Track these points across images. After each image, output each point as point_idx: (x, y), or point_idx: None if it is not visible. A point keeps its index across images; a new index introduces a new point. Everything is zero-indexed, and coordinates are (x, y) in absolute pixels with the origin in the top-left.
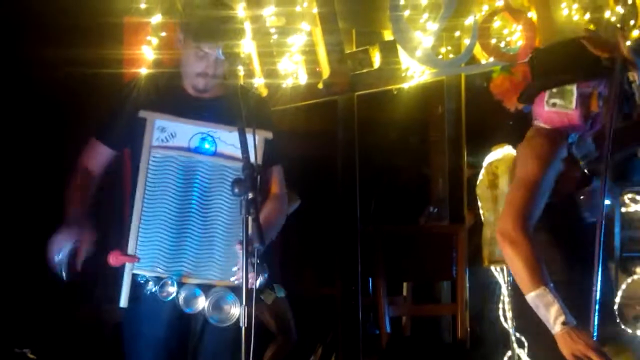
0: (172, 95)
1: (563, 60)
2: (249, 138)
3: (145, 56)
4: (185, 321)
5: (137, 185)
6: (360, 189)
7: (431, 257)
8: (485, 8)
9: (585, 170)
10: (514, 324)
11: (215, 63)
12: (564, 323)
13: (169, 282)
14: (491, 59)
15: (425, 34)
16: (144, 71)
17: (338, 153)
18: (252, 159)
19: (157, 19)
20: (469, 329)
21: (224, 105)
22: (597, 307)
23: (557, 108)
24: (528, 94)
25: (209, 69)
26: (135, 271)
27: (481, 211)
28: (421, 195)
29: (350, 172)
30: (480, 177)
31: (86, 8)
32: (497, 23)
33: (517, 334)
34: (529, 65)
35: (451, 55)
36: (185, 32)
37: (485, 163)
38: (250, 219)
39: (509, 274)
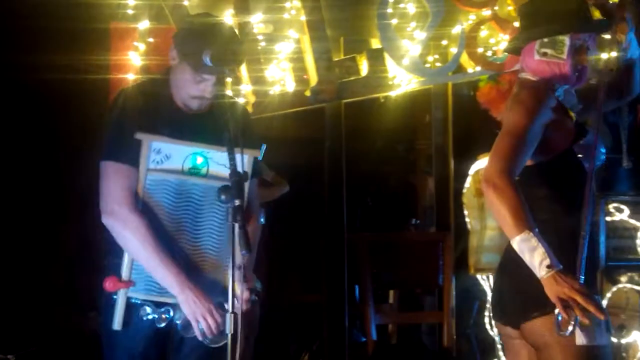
0: (163, 111)
1: (556, 11)
2: (244, 158)
3: (132, 62)
4: (164, 335)
5: None
6: (347, 197)
7: (418, 265)
8: (473, 17)
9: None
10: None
11: (213, 86)
12: (548, 266)
13: (166, 310)
14: (478, 68)
15: (412, 42)
16: (130, 77)
17: (325, 160)
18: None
19: (144, 24)
20: (455, 337)
21: (214, 121)
22: (584, 255)
23: (548, 57)
24: (516, 43)
25: (207, 93)
26: (129, 294)
27: (467, 219)
28: (408, 202)
29: (337, 179)
30: (467, 185)
31: (72, 13)
32: (484, 32)
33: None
34: (518, 14)
35: (438, 64)
36: (182, 55)
37: (471, 171)
38: (237, 226)
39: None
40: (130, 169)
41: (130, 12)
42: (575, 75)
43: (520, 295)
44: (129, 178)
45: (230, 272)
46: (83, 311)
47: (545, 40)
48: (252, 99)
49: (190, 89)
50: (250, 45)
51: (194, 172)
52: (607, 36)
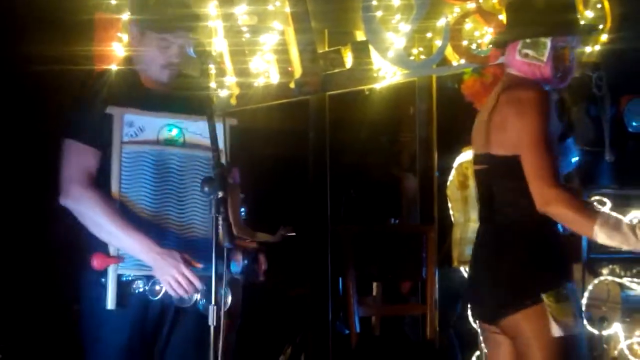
0: (134, 91)
1: (541, 12)
2: (219, 126)
3: (115, 53)
4: (159, 309)
5: (112, 183)
6: (330, 189)
7: (401, 257)
8: (457, 10)
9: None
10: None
11: (179, 51)
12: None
13: (158, 282)
14: (462, 61)
15: (397, 35)
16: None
17: (309, 153)
18: (220, 146)
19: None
20: (438, 329)
21: (185, 97)
22: None
23: (528, 59)
24: (501, 39)
25: (174, 57)
26: (120, 271)
27: (451, 212)
28: (391, 195)
29: (321, 171)
30: (451, 178)
31: (56, 4)
32: (468, 25)
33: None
34: (505, 10)
35: (423, 57)
36: (143, 25)
37: (455, 164)
38: (220, 218)
39: None
40: (89, 148)
41: (114, 2)
42: (558, 77)
43: (492, 296)
44: (86, 158)
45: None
46: (69, 304)
47: (528, 41)
48: (236, 91)
49: (158, 58)
50: (234, 36)
51: (170, 142)
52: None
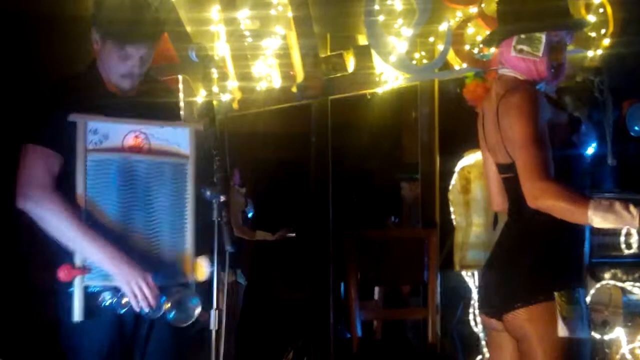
0: (98, 97)
1: (534, 7)
2: (185, 132)
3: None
4: (129, 321)
5: (77, 191)
6: (332, 193)
7: (403, 262)
8: (459, 15)
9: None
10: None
11: (140, 62)
12: (635, 206)
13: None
14: (464, 65)
15: (399, 39)
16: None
17: (311, 157)
18: (187, 152)
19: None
20: (439, 333)
21: (151, 102)
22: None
23: (523, 55)
24: (494, 38)
25: (135, 68)
26: (86, 283)
27: (453, 216)
28: (393, 199)
29: (323, 175)
30: (453, 182)
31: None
32: (470, 30)
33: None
34: (498, 7)
35: (425, 61)
36: (104, 33)
37: (457, 168)
38: (222, 222)
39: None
40: (51, 152)
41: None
42: (552, 72)
43: (505, 287)
44: (48, 161)
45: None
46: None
47: (522, 36)
48: (239, 95)
49: (119, 68)
50: (237, 41)
51: (135, 149)
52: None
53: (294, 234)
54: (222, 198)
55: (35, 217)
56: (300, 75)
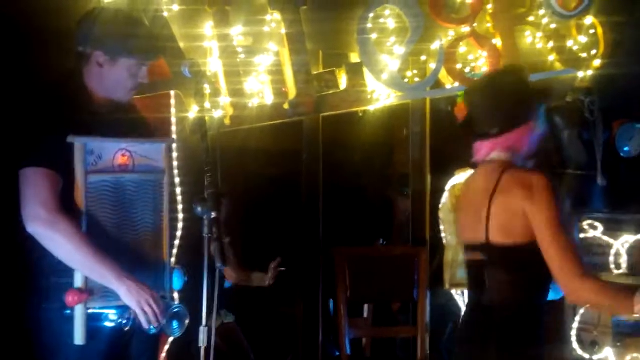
0: (90, 115)
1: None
2: (160, 147)
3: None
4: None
5: (81, 212)
6: (323, 210)
7: (393, 279)
8: (452, 34)
9: None
10: None
11: (145, 72)
12: None
13: (124, 313)
14: (456, 84)
15: (391, 57)
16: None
17: (302, 174)
18: (162, 166)
19: None
20: (428, 352)
21: (129, 113)
22: None
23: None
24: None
25: (144, 79)
26: (89, 304)
27: (443, 234)
28: (384, 217)
29: (314, 192)
30: (443, 200)
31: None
32: (462, 48)
33: None
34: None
35: (417, 79)
36: (115, 52)
37: (448, 186)
38: (213, 239)
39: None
40: (54, 174)
41: None
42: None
43: None
44: (53, 183)
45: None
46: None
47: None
48: (231, 111)
49: (128, 83)
50: (229, 57)
51: (123, 168)
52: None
53: (283, 268)
54: (213, 214)
55: (45, 240)
56: (292, 92)
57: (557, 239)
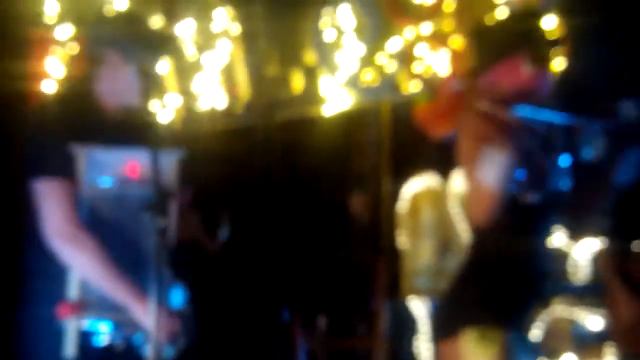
0: (98, 123)
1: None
2: (171, 159)
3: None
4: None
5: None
6: (278, 218)
7: (349, 289)
8: (411, 34)
9: None
10: None
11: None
12: None
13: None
14: (415, 86)
15: (348, 59)
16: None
17: (256, 179)
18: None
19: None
20: None
21: (132, 124)
22: None
23: None
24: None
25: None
26: (81, 319)
27: (401, 242)
28: (342, 223)
29: (269, 200)
30: (402, 207)
31: None
32: (422, 49)
33: None
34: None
35: (375, 82)
36: (128, 55)
37: (407, 193)
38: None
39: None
40: (68, 182)
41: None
42: None
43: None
44: (68, 193)
45: None
46: None
47: None
48: (181, 114)
49: (137, 85)
50: (180, 56)
51: (130, 179)
52: None
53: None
54: (161, 222)
55: (68, 255)
56: (245, 94)
57: None
